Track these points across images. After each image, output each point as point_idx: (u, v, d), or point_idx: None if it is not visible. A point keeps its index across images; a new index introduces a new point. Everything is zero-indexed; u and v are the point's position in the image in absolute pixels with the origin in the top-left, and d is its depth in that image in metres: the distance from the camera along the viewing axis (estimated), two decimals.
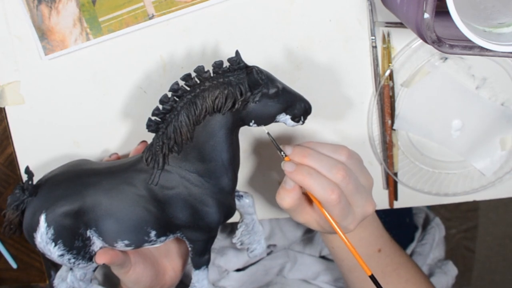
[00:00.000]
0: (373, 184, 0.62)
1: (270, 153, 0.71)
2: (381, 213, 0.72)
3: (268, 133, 0.59)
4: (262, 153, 0.71)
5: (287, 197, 0.58)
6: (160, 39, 0.65)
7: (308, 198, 0.60)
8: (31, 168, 0.58)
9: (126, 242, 0.58)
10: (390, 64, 0.66)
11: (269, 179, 0.72)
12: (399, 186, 0.73)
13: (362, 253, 0.66)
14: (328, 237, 0.68)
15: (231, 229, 0.87)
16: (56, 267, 0.78)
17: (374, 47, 0.66)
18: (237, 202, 0.64)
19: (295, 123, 0.58)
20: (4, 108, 0.68)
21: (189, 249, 0.61)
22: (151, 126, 0.57)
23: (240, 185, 0.72)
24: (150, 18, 0.64)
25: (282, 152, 0.58)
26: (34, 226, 0.57)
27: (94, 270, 0.62)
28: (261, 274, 0.87)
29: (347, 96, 0.68)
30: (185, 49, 0.66)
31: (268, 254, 0.88)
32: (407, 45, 0.66)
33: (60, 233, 0.56)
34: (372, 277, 0.58)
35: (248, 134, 0.70)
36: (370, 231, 0.68)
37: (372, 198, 0.61)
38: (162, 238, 0.59)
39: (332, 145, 0.59)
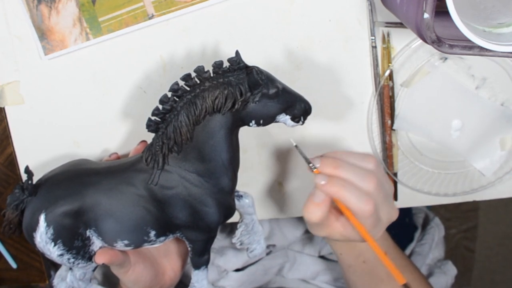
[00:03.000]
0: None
1: (270, 153, 0.71)
2: None
3: (296, 146, 0.58)
4: (262, 153, 0.71)
5: (317, 211, 0.55)
6: (160, 39, 0.65)
7: (334, 210, 0.58)
8: (31, 168, 0.58)
9: (126, 242, 0.58)
10: (390, 64, 0.66)
11: (268, 179, 0.72)
12: (399, 186, 0.72)
13: (369, 256, 0.66)
14: (336, 243, 0.68)
15: (231, 229, 0.87)
16: (56, 267, 0.78)
17: (374, 47, 0.65)
18: (237, 202, 0.64)
19: (295, 124, 0.58)
20: (4, 108, 0.68)
21: (189, 249, 0.61)
22: (151, 126, 0.57)
23: (240, 185, 0.71)
24: (150, 18, 0.64)
25: (311, 165, 0.56)
26: (34, 226, 0.57)
27: (94, 270, 0.62)
28: (260, 274, 0.87)
29: (347, 96, 0.68)
30: (185, 49, 0.65)
31: (267, 254, 0.88)
32: (407, 45, 0.66)
33: (59, 232, 0.56)
34: (405, 287, 0.56)
35: (248, 134, 0.70)
36: None
37: (395, 205, 0.60)
38: (162, 238, 0.59)
39: (359, 154, 0.58)
